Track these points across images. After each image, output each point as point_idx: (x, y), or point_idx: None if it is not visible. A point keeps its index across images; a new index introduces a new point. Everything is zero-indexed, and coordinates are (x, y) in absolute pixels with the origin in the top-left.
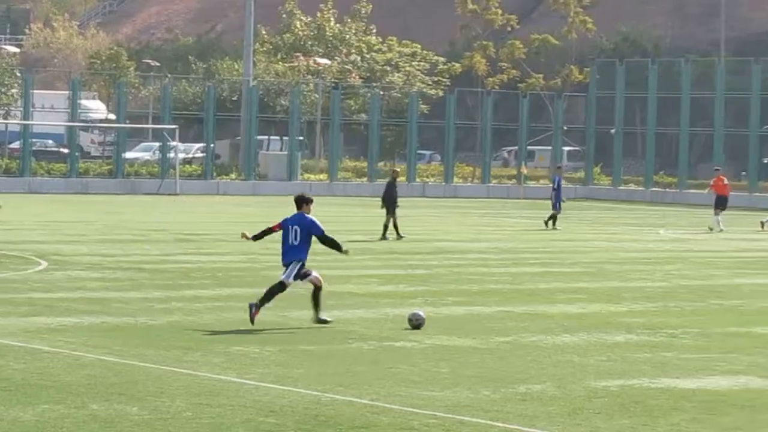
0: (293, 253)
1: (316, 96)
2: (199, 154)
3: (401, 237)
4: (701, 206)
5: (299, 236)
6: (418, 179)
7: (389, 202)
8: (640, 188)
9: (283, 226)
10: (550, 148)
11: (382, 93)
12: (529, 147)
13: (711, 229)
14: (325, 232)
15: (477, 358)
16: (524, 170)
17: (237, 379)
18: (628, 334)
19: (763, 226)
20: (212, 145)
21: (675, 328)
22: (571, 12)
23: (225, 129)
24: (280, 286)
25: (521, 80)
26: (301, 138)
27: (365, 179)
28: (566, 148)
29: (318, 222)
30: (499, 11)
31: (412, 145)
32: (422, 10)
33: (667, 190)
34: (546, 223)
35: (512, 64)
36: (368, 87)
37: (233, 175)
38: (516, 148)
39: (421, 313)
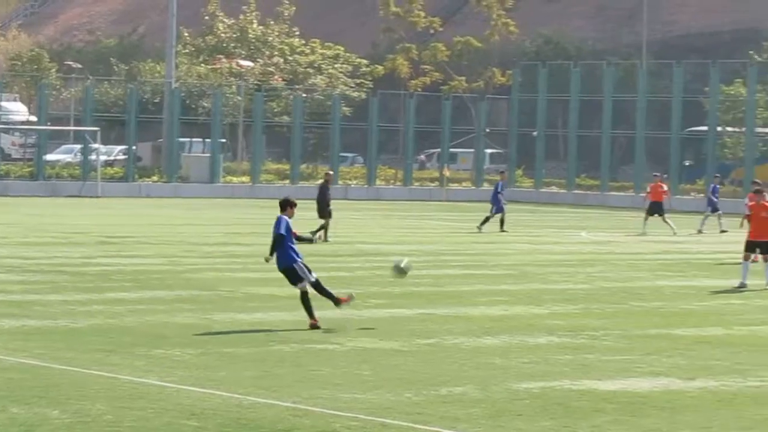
0: (285, 254)
1: (239, 98)
2: (121, 157)
3: (326, 241)
4: (623, 209)
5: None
6: (340, 182)
7: (322, 205)
8: (562, 190)
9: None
10: (472, 150)
11: (304, 95)
12: (451, 149)
13: (642, 232)
14: (280, 234)
15: (399, 360)
16: (446, 173)
17: (158, 382)
18: (550, 336)
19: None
20: (134, 148)
21: (596, 330)
22: (494, 15)
23: (147, 131)
24: (305, 293)
25: (444, 83)
26: (223, 140)
27: (288, 182)
28: (488, 151)
29: (284, 224)
30: (422, 14)
31: (334, 147)
32: (346, 13)
33: (589, 192)
34: (482, 224)
35: (435, 67)
36: (291, 89)
37: (155, 178)
38: (437, 150)
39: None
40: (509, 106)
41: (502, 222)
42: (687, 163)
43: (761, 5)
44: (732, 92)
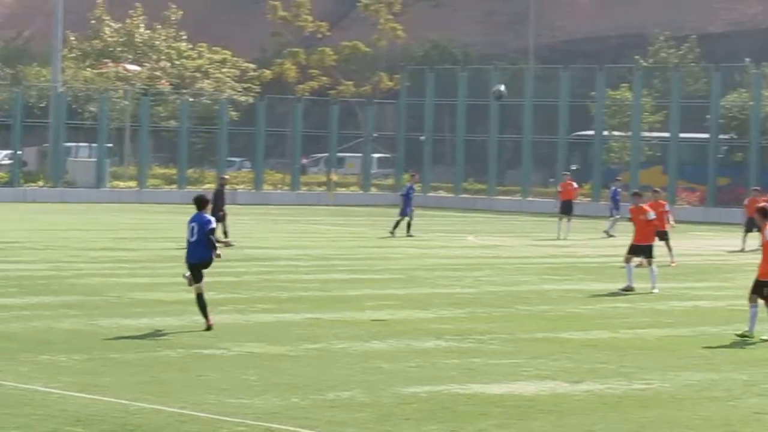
0: (195, 251)
1: (126, 102)
2: (6, 161)
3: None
4: (510, 213)
5: (196, 233)
6: (228, 186)
7: (215, 210)
8: (450, 195)
9: (188, 225)
10: (360, 155)
11: (191, 100)
12: (339, 154)
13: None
14: (213, 229)
15: (286, 365)
16: (334, 177)
17: (43, 388)
18: (437, 340)
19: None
20: (19, 152)
21: (483, 334)
22: (381, 19)
23: (33, 136)
24: (201, 294)
25: (331, 87)
26: (109, 145)
27: (175, 186)
28: (376, 155)
29: (213, 221)
30: (310, 18)
31: (221, 152)
32: (233, 17)
33: (477, 196)
34: (393, 230)
35: (322, 71)
36: (178, 94)
37: (41, 183)
38: (325, 155)
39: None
40: (397, 111)
41: (408, 226)
42: (573, 167)
43: (647, 11)
44: (618, 97)
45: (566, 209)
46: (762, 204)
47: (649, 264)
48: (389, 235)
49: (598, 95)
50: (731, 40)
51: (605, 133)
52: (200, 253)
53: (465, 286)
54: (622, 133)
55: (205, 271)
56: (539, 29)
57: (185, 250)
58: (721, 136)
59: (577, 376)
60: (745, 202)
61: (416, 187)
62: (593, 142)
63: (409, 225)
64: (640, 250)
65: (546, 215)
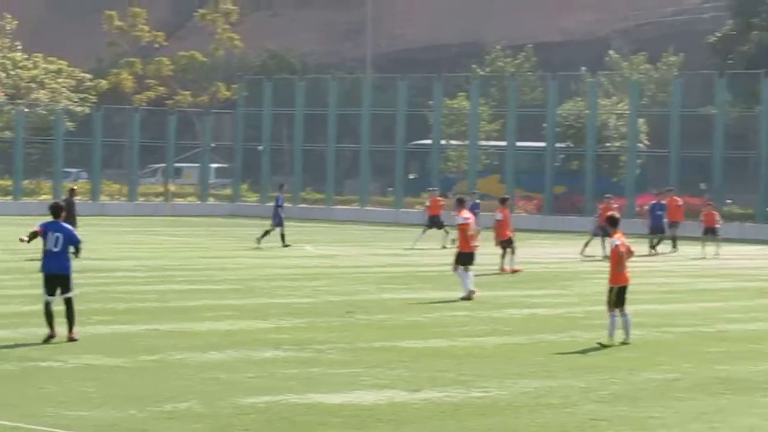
0: (56, 261)
1: None
2: None
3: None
4: (348, 222)
5: (60, 243)
6: (64, 197)
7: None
8: (288, 204)
9: (44, 231)
10: (198, 165)
11: (27, 110)
12: (176, 164)
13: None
14: (80, 240)
15: (124, 376)
16: (171, 188)
17: None
18: (276, 350)
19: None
20: None
21: (322, 344)
22: (219, 29)
23: None
24: (48, 303)
25: (169, 97)
26: None
27: (10, 198)
28: (214, 165)
29: (75, 232)
30: (146, 28)
31: (58, 162)
32: (69, 27)
33: (315, 206)
34: (259, 239)
35: (160, 81)
36: (13, 104)
37: None
38: (162, 165)
39: None
40: (234, 121)
41: (282, 236)
42: (411, 176)
43: (484, 20)
44: (455, 106)
45: (435, 223)
46: (611, 212)
47: (466, 271)
48: (257, 245)
49: (436, 104)
50: (567, 49)
51: (443, 142)
52: (60, 264)
53: (303, 296)
54: (460, 142)
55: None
56: (377, 38)
57: (42, 260)
58: (558, 145)
59: (416, 385)
60: (598, 210)
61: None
62: (431, 151)
63: (282, 236)
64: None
65: (384, 224)
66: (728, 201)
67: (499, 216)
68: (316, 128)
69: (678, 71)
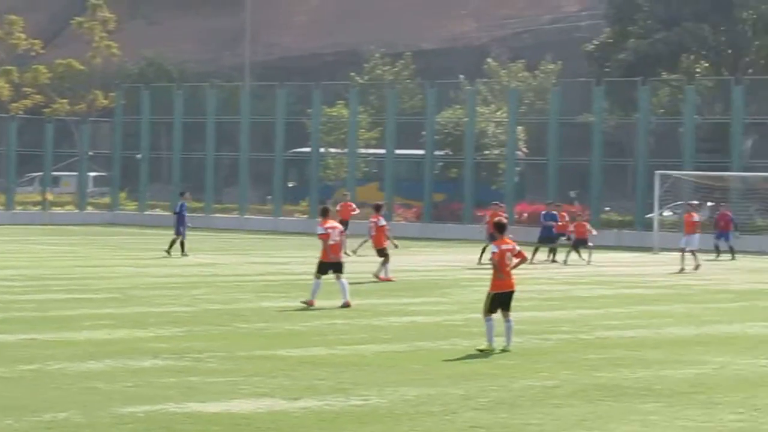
0: None
1: None
2: None
3: None
4: (228, 230)
5: None
6: None
7: None
8: (168, 213)
9: None
10: (76, 173)
11: None
12: (54, 173)
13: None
14: None
15: (1, 387)
16: (49, 196)
17: None
18: (155, 359)
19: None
20: None
21: (201, 352)
22: (96, 37)
23: None
24: None
25: (46, 105)
26: None
27: None
28: (92, 174)
29: None
30: (23, 36)
31: None
32: None
33: (194, 214)
34: (169, 249)
35: (37, 89)
36: None
37: None
38: (40, 174)
39: None
40: (112, 129)
41: (182, 245)
42: (291, 185)
43: (362, 28)
44: (334, 114)
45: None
46: (498, 218)
47: (338, 278)
48: (166, 254)
49: (315, 112)
50: (445, 56)
51: (322, 150)
52: None
53: (182, 305)
54: (339, 150)
55: None
56: (255, 46)
57: None
58: (437, 153)
59: (295, 393)
60: (486, 217)
61: (187, 204)
62: (310, 159)
63: (182, 244)
64: (330, 266)
65: (263, 232)
66: (606, 208)
67: (382, 222)
68: (194, 136)
69: (556, 79)
